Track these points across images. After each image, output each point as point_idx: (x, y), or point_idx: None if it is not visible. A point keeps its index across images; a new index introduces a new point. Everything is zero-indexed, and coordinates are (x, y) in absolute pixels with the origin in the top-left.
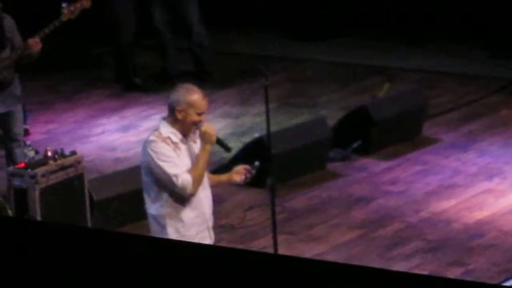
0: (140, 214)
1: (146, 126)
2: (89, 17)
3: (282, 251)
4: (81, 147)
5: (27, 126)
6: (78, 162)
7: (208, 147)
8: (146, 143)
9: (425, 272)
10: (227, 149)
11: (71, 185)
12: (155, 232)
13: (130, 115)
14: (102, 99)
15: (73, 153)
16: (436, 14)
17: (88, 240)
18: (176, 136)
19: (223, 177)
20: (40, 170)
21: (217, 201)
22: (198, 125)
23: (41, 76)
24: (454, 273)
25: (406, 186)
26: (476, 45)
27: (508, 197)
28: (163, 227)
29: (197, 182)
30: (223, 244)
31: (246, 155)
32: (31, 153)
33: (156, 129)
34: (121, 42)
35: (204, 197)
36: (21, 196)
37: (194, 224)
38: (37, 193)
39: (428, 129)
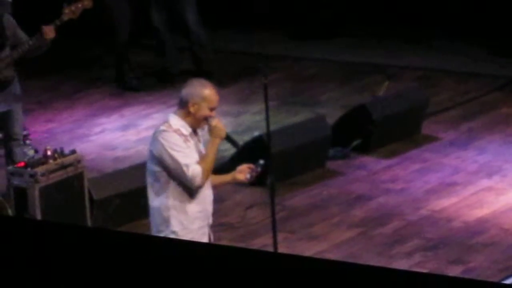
0: (140, 213)
1: (146, 125)
2: (89, 16)
3: (282, 249)
4: (81, 146)
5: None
6: (78, 161)
7: (217, 141)
8: (156, 133)
9: (425, 270)
10: (236, 145)
11: (70, 184)
12: (157, 224)
13: (129, 114)
14: (101, 98)
15: (73, 152)
16: (435, 12)
17: (88, 240)
18: (186, 129)
19: (227, 177)
20: (39, 169)
21: (217, 199)
22: (208, 120)
23: (41, 76)
24: (454, 271)
25: (406, 184)
26: (476, 43)
27: (508, 195)
28: (167, 219)
29: (206, 174)
30: (223, 242)
31: (245, 153)
32: (31, 152)
33: (166, 121)
34: (117, 42)
35: (207, 194)
36: (20, 195)
37: (197, 219)
38: (36, 192)
39: (427, 127)
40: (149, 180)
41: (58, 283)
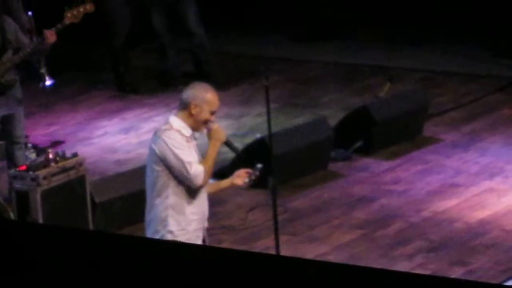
0: (142, 216)
1: (147, 128)
2: (91, 19)
3: (284, 252)
4: (83, 149)
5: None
6: (80, 164)
7: (218, 143)
8: (158, 132)
9: (427, 272)
10: (235, 150)
11: (72, 187)
12: (155, 224)
13: (131, 116)
14: (103, 101)
15: (75, 155)
16: (436, 14)
17: (90, 243)
18: (187, 130)
19: (225, 182)
20: (41, 173)
21: (219, 202)
22: (208, 124)
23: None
24: (456, 272)
25: (407, 186)
26: (478, 44)
27: (510, 196)
28: (164, 218)
29: (207, 174)
30: (225, 245)
31: (247, 156)
32: (33, 155)
33: (167, 122)
34: (113, 44)
35: (204, 198)
36: (22, 199)
37: (194, 220)
38: (38, 196)
39: (429, 129)
40: (148, 179)
41: (60, 286)
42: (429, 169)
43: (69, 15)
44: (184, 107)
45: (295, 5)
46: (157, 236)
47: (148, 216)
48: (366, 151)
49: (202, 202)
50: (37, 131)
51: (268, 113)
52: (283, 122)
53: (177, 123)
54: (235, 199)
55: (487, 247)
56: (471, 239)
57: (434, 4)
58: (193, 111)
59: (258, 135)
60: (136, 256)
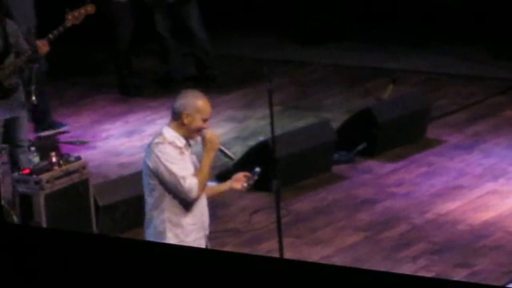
0: None
1: (150, 131)
2: (93, 22)
3: (288, 254)
4: (86, 153)
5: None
6: (83, 167)
7: (212, 153)
8: (151, 146)
9: (431, 274)
10: (230, 157)
11: (76, 191)
12: (152, 237)
13: (134, 120)
14: (106, 104)
15: (78, 158)
16: (439, 16)
17: (94, 246)
18: (180, 141)
19: (223, 186)
20: (45, 176)
21: (222, 205)
22: (202, 132)
23: (46, 82)
24: (460, 274)
25: (411, 188)
26: (480, 46)
27: None
28: (162, 232)
29: (202, 186)
30: (228, 248)
31: (250, 159)
32: (36, 159)
33: (160, 134)
34: (117, 47)
35: (203, 206)
36: (26, 202)
37: (193, 231)
38: (42, 199)
39: (432, 131)
40: (145, 192)
41: None
42: (433, 171)
43: (70, 17)
44: (176, 117)
45: (298, 7)
46: None
47: (146, 230)
48: (370, 153)
49: (200, 211)
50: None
51: (272, 116)
52: (286, 124)
53: (170, 134)
54: (238, 202)
55: (490, 249)
56: (474, 241)
57: (436, 5)
58: (185, 121)
59: (261, 138)
60: (140, 259)
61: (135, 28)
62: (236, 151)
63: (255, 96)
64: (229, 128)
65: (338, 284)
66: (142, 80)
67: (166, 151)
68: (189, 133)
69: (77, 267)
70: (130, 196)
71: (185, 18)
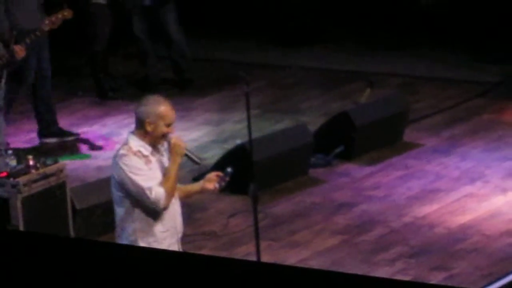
0: None
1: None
2: (70, 25)
3: (265, 257)
4: None
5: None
6: (60, 170)
7: (178, 159)
8: (116, 158)
9: (408, 277)
10: (196, 162)
11: (53, 194)
12: None
13: (111, 123)
14: (83, 107)
15: (55, 161)
16: (416, 19)
17: (71, 250)
18: (146, 149)
19: (195, 186)
20: (22, 179)
21: (200, 208)
22: (167, 137)
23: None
24: (437, 277)
25: (388, 191)
26: (457, 49)
27: (491, 201)
28: (134, 241)
29: (169, 195)
30: (205, 251)
31: (227, 162)
32: (13, 162)
33: (125, 143)
34: (94, 51)
35: (175, 210)
36: (3, 206)
37: (166, 238)
38: (19, 203)
39: (409, 134)
40: (114, 203)
41: None
42: (410, 175)
43: (47, 22)
44: (139, 126)
45: (276, 10)
46: None
47: (118, 241)
48: (347, 156)
49: (172, 217)
50: (18, 137)
51: (249, 119)
52: (264, 128)
53: (135, 143)
54: (215, 205)
55: (468, 252)
56: (452, 244)
57: (414, 9)
58: (149, 128)
59: (238, 141)
60: (117, 263)
61: (113, 30)
62: (213, 155)
63: (232, 99)
64: (206, 131)
65: (315, 287)
66: (119, 83)
67: (130, 163)
68: (154, 140)
69: (54, 271)
70: (107, 199)
71: (162, 21)
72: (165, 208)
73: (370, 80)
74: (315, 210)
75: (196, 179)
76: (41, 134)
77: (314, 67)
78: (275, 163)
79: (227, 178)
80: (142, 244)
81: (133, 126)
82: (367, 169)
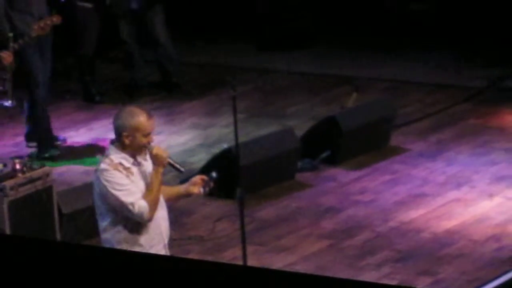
0: None
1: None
2: (57, 29)
3: (251, 262)
4: None
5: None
6: (47, 174)
7: (160, 169)
8: (98, 172)
9: (394, 282)
10: (179, 170)
11: (40, 198)
12: None
13: (98, 127)
14: (70, 111)
15: (42, 165)
16: (403, 24)
17: (57, 254)
18: (127, 160)
19: (181, 189)
20: (8, 183)
21: (186, 212)
22: (148, 148)
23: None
24: (423, 282)
25: (375, 196)
26: (444, 54)
27: (477, 206)
28: None
29: (153, 207)
30: (192, 256)
31: (214, 166)
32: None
33: (106, 155)
34: (81, 54)
35: (161, 217)
36: None
37: (153, 246)
38: (5, 206)
39: (396, 139)
40: (98, 213)
41: None
42: (396, 179)
43: (35, 27)
44: (118, 139)
45: (262, 15)
46: None
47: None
48: (333, 161)
49: (157, 224)
50: (4, 141)
51: (235, 124)
52: (251, 132)
53: (117, 155)
54: (202, 209)
55: (454, 257)
56: (438, 249)
57: (401, 13)
58: (127, 141)
59: (225, 145)
60: (103, 267)
61: (100, 34)
62: (200, 159)
63: (219, 103)
64: (193, 135)
65: None
66: (106, 87)
67: (112, 178)
68: (135, 151)
69: (40, 275)
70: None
71: (149, 25)
72: (150, 220)
73: (356, 85)
74: (302, 215)
75: (182, 182)
76: (28, 138)
77: (301, 72)
78: (262, 168)
79: (212, 183)
80: None
81: None
82: (354, 174)
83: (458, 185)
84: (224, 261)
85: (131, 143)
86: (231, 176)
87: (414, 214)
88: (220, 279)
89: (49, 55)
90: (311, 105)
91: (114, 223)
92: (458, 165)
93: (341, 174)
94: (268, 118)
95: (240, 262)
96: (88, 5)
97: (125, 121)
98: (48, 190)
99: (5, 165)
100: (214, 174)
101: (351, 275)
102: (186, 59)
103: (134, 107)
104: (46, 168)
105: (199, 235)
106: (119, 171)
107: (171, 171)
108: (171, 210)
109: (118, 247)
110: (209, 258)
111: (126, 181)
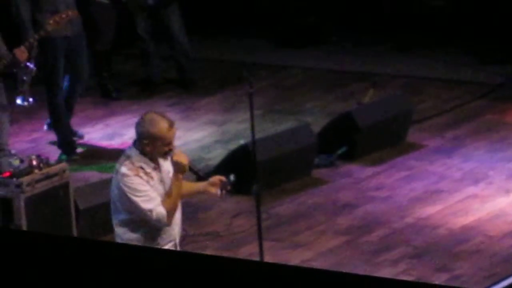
0: None
1: (131, 134)
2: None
3: (268, 258)
4: None
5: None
6: (63, 170)
7: (180, 176)
8: (119, 175)
9: (411, 278)
10: (200, 176)
11: (56, 194)
12: None
13: (114, 123)
14: (87, 107)
15: (59, 161)
16: (420, 19)
17: (74, 250)
18: (148, 165)
19: (199, 186)
20: (25, 179)
21: (203, 208)
22: (169, 155)
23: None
24: (440, 278)
25: (391, 192)
26: (460, 50)
27: (494, 202)
28: None
29: (171, 212)
30: (209, 252)
31: (231, 162)
32: (16, 162)
33: (128, 156)
34: (98, 50)
35: (174, 221)
36: (6, 206)
37: (164, 246)
38: (22, 203)
39: (413, 135)
40: (113, 208)
41: None
42: (413, 175)
43: (51, 21)
44: (139, 144)
45: (279, 10)
46: None
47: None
48: (350, 157)
49: (171, 227)
50: (20, 137)
51: (252, 120)
52: (267, 128)
53: (138, 158)
54: (219, 205)
55: (470, 253)
56: (454, 245)
57: (417, 9)
58: (147, 148)
59: (242, 141)
60: (119, 263)
61: (116, 30)
62: (217, 155)
63: (235, 99)
64: (209, 131)
65: (318, 287)
66: (123, 83)
67: (132, 185)
68: (156, 157)
69: (57, 270)
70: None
71: (165, 21)
72: (168, 225)
73: (373, 81)
74: (318, 211)
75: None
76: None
77: (318, 68)
78: (279, 164)
79: (229, 186)
80: None
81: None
82: (370, 170)
83: (475, 181)
84: (241, 257)
85: (151, 150)
86: (247, 172)
87: (430, 210)
88: (237, 275)
89: (84, 54)
90: (328, 101)
91: (128, 222)
92: (474, 161)
93: (357, 170)
94: (285, 114)
95: (256, 258)
96: (105, 1)
97: (146, 129)
98: (64, 186)
99: (22, 161)
100: (232, 177)
101: (368, 271)
102: (203, 55)
103: (156, 114)
104: (63, 164)
105: (215, 231)
106: (140, 176)
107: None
108: (187, 206)
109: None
110: (226, 254)
111: (146, 187)
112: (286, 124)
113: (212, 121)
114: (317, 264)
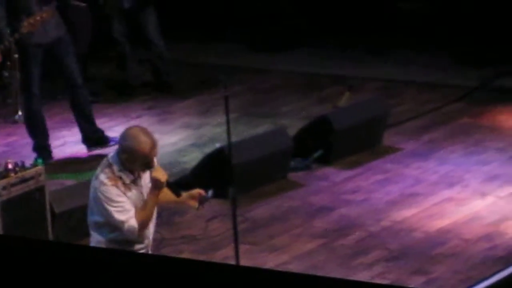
0: None
1: None
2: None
3: (244, 261)
4: None
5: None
6: (39, 174)
7: (157, 192)
8: (97, 181)
9: (387, 281)
10: (177, 194)
11: (32, 198)
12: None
13: None
14: (62, 111)
15: (34, 165)
16: (396, 23)
17: (49, 253)
18: (128, 177)
19: (180, 198)
20: (1, 183)
21: (179, 212)
22: (149, 170)
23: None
24: (416, 281)
25: (367, 195)
26: (436, 53)
27: (469, 205)
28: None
29: (143, 225)
30: (185, 255)
31: (207, 165)
32: None
33: (109, 165)
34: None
35: (148, 231)
36: None
37: (139, 250)
38: None
39: (389, 138)
40: (89, 208)
41: None
42: (389, 178)
43: (25, 24)
44: (120, 157)
45: (255, 14)
46: None
47: (90, 241)
48: (326, 160)
49: (144, 236)
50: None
51: (228, 123)
52: (243, 132)
53: (118, 168)
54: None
55: (446, 257)
56: (430, 248)
57: (393, 13)
58: (127, 163)
59: (217, 145)
60: (95, 266)
61: (93, 33)
62: (193, 158)
63: (211, 103)
64: (185, 135)
65: None
66: (99, 87)
67: (108, 194)
68: (135, 171)
69: (32, 274)
70: (86, 203)
71: (141, 24)
72: (138, 237)
73: (349, 84)
74: (294, 214)
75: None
76: (86, 144)
77: (294, 71)
78: (254, 167)
79: (206, 201)
80: None
81: (112, 129)
82: (346, 173)
83: (451, 185)
84: (217, 260)
85: (130, 166)
86: (223, 175)
87: (406, 213)
88: (213, 279)
89: (71, 58)
90: (304, 105)
91: (102, 224)
92: (450, 164)
93: (333, 174)
94: (261, 117)
95: (232, 262)
96: (82, 4)
97: (128, 145)
98: (40, 190)
99: None
100: (210, 193)
101: (344, 274)
102: (178, 58)
103: (141, 132)
104: (38, 168)
105: (191, 235)
106: (117, 187)
107: (165, 170)
108: (163, 209)
109: (101, 245)
110: (202, 257)
111: (122, 199)
112: (262, 128)
113: (188, 125)
114: (293, 268)
